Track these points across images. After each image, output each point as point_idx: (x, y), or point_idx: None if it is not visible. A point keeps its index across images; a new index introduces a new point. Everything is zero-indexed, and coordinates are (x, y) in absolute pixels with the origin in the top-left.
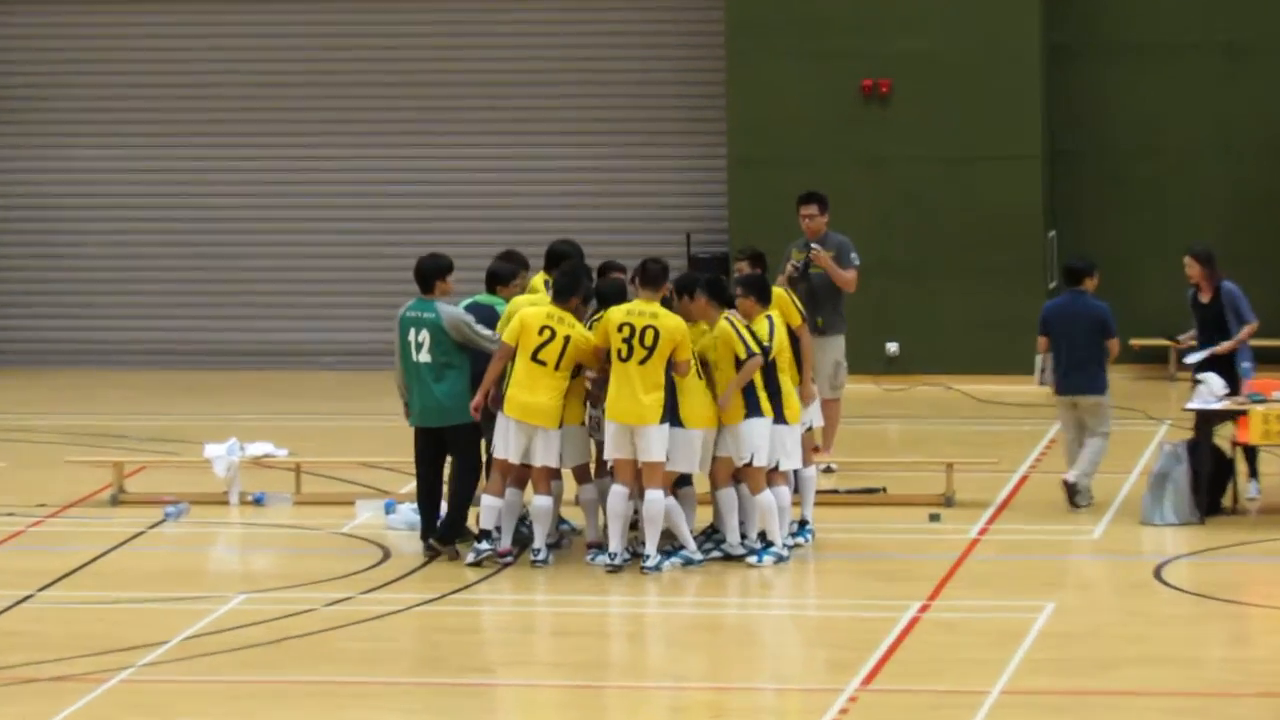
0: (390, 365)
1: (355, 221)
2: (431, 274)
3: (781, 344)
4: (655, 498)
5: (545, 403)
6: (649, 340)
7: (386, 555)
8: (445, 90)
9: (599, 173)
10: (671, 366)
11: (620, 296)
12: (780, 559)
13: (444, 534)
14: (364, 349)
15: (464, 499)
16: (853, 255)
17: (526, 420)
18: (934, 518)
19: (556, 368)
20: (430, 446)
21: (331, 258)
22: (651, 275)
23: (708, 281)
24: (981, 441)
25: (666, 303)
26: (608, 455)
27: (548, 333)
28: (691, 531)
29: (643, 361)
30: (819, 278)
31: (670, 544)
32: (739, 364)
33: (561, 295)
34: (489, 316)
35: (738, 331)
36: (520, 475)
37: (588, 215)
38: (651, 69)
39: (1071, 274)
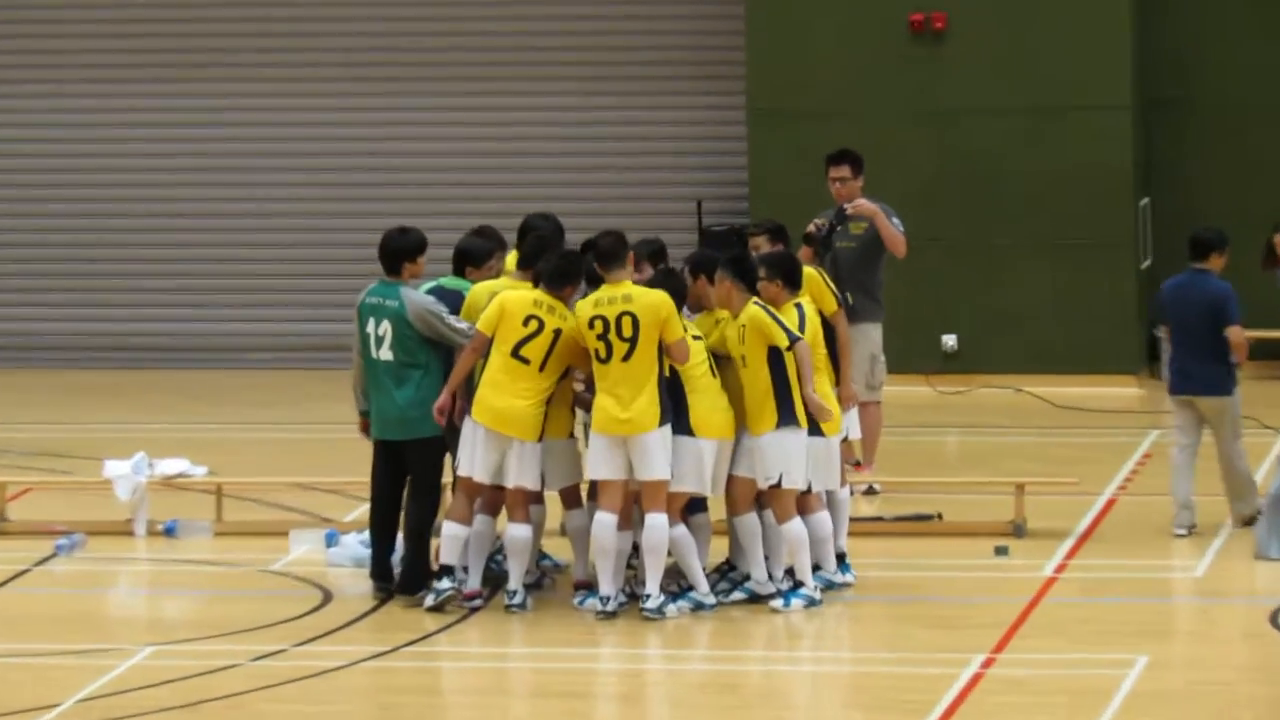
0: (347, 363)
1: (293, 188)
2: (399, 253)
3: (815, 337)
4: (658, 523)
5: (524, 409)
6: (627, 330)
7: (327, 598)
8: (406, 35)
9: (591, 129)
10: (666, 353)
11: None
12: (812, 602)
13: (404, 581)
14: (303, 342)
15: (422, 532)
16: (895, 221)
17: (499, 429)
18: (1000, 551)
19: (542, 368)
20: (389, 464)
21: (266, 232)
22: (606, 251)
23: (731, 260)
24: (1059, 457)
25: (669, 284)
26: (592, 475)
27: (534, 324)
28: (704, 568)
29: (626, 357)
30: (848, 252)
31: (678, 583)
32: (772, 359)
33: (555, 281)
34: (458, 304)
35: (773, 316)
36: (492, 499)
37: (578, 180)
38: (654, 3)
39: (1197, 247)
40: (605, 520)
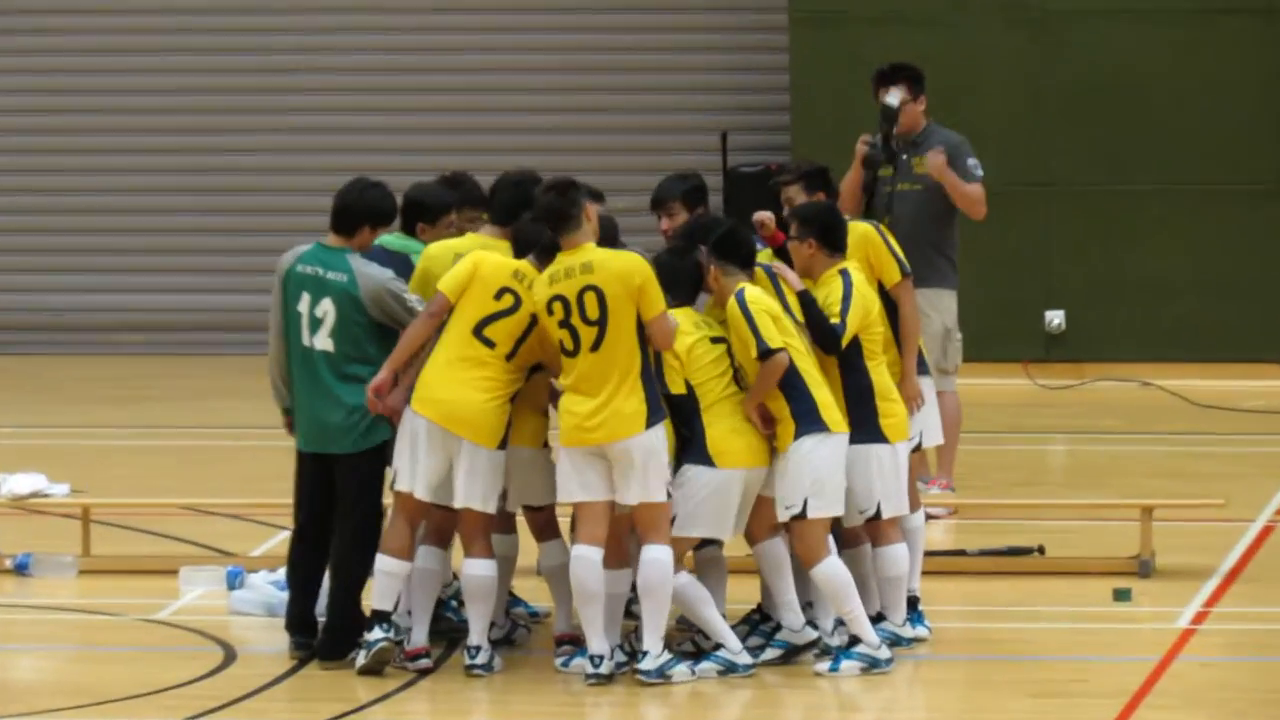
0: (244, 346)
1: (169, 135)
2: (360, 214)
3: (869, 314)
4: (656, 558)
5: (480, 404)
6: (592, 310)
7: (230, 657)
8: None
9: (586, 40)
10: (647, 337)
11: (610, 240)
12: (873, 664)
13: (330, 638)
14: (185, 320)
15: (355, 578)
16: (970, 162)
17: (448, 427)
18: (1121, 595)
19: (510, 355)
20: (321, 484)
21: (135, 174)
22: (549, 209)
23: (718, 240)
24: (1198, 471)
25: (675, 258)
26: (565, 497)
27: (508, 299)
28: (724, 615)
29: (595, 346)
30: (911, 197)
31: (692, 639)
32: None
33: (546, 253)
34: (406, 272)
35: (747, 315)
36: (442, 525)
37: (574, 107)
38: None
39: None
40: (586, 556)
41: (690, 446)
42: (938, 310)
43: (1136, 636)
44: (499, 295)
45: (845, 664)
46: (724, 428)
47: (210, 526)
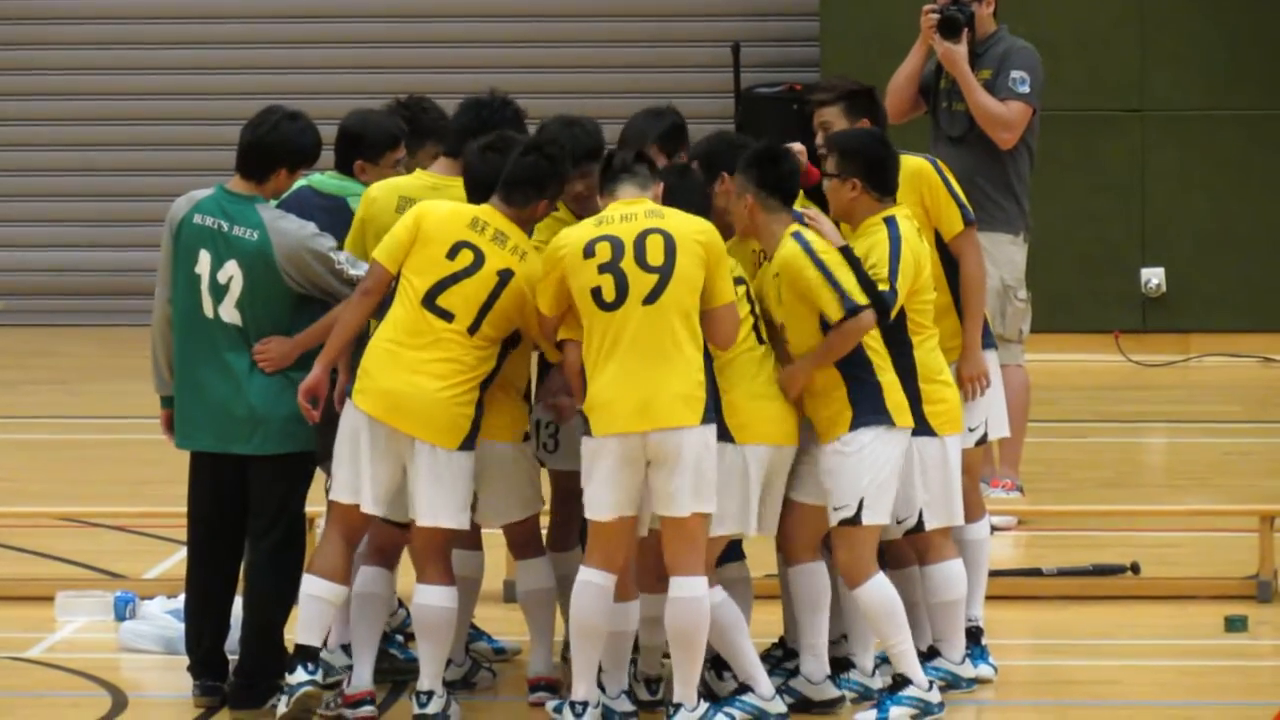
0: (120, 315)
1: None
2: (275, 153)
3: (919, 275)
4: (696, 595)
5: (435, 394)
6: (656, 254)
7: (119, 705)
8: None
9: None
10: (706, 327)
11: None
12: (925, 711)
13: (243, 683)
14: (47, 283)
15: (274, 606)
16: (1016, 74)
17: (395, 424)
18: (1234, 624)
19: (472, 329)
20: (222, 490)
21: None
22: (621, 168)
23: (753, 158)
24: None
25: (678, 179)
26: (595, 513)
27: (467, 256)
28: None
29: (651, 298)
30: (964, 120)
31: (703, 679)
32: (826, 327)
33: (519, 189)
34: (342, 220)
35: (821, 265)
36: (387, 541)
37: (558, 14)
38: None
39: None
40: (595, 583)
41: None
42: (994, 262)
43: (1254, 675)
44: (453, 253)
45: (894, 711)
46: (743, 393)
47: (93, 541)
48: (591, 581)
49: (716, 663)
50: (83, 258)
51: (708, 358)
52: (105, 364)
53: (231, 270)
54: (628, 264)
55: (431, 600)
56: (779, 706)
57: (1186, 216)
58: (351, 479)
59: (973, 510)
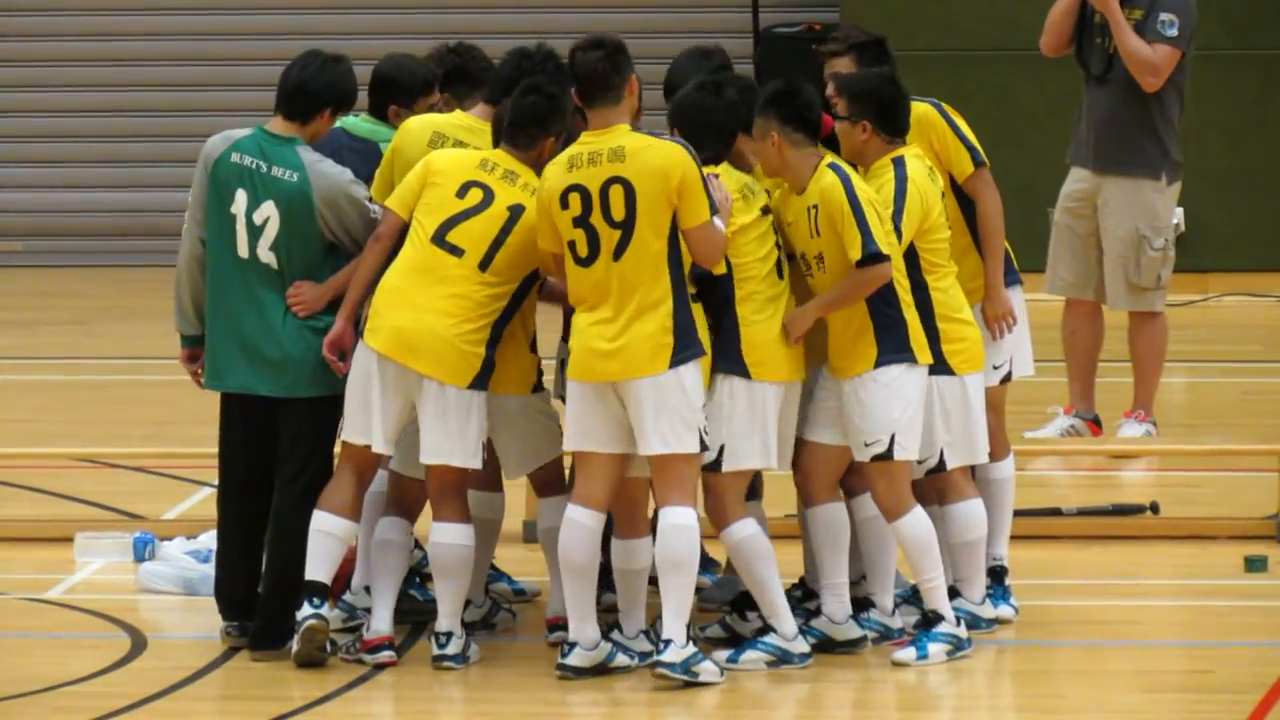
0: (142, 256)
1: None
2: (320, 95)
3: (928, 215)
4: (681, 523)
5: (446, 330)
6: (618, 208)
7: (139, 646)
8: None
9: None
10: (688, 246)
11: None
12: (957, 647)
13: (264, 625)
14: (86, 224)
15: (301, 550)
16: (1164, 17)
17: (403, 360)
18: (1255, 564)
19: (484, 264)
20: (255, 433)
21: None
22: (589, 73)
23: (775, 96)
24: None
25: (710, 99)
26: (570, 443)
27: (476, 194)
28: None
29: (618, 254)
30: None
31: (721, 618)
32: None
33: (522, 127)
34: (372, 161)
35: (855, 204)
36: (408, 495)
37: None
38: None
39: None
40: (576, 519)
41: (722, 351)
42: (1130, 207)
43: (1274, 615)
44: (463, 191)
45: (932, 648)
46: (760, 328)
47: (111, 482)
48: (573, 519)
49: (739, 603)
50: (101, 198)
51: (730, 284)
52: (123, 305)
53: (268, 211)
54: (596, 219)
55: (447, 539)
56: (802, 646)
57: (1205, 156)
58: (363, 419)
59: (998, 449)
